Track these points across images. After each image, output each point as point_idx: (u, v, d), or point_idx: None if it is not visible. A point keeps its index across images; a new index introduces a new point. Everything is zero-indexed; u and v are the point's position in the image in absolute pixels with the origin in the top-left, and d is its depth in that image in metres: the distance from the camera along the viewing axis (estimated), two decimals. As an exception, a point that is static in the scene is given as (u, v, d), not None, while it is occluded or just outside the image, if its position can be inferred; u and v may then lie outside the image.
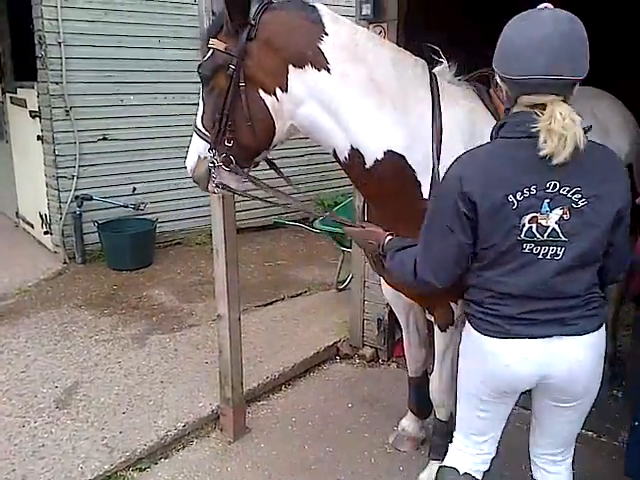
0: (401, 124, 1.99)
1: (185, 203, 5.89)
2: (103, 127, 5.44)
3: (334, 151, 2.05)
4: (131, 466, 2.83)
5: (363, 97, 1.95)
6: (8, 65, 6.06)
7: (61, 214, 5.32)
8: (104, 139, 5.46)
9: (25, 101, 5.53)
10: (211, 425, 3.17)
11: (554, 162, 1.48)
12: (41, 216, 5.63)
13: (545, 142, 1.47)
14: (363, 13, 3.38)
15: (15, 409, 3.17)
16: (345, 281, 4.71)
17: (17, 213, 6.29)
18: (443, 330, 2.33)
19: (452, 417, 2.61)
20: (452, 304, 2.22)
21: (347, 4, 5.89)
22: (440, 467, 2.04)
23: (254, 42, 1.92)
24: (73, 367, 3.62)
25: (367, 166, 2.01)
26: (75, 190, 5.30)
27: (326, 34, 1.93)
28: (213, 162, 2.10)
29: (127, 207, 5.54)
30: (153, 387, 3.40)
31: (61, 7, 5.02)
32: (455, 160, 1.67)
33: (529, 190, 1.54)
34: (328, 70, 1.92)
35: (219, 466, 2.89)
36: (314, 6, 1.97)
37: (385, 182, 2.04)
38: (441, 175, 1.99)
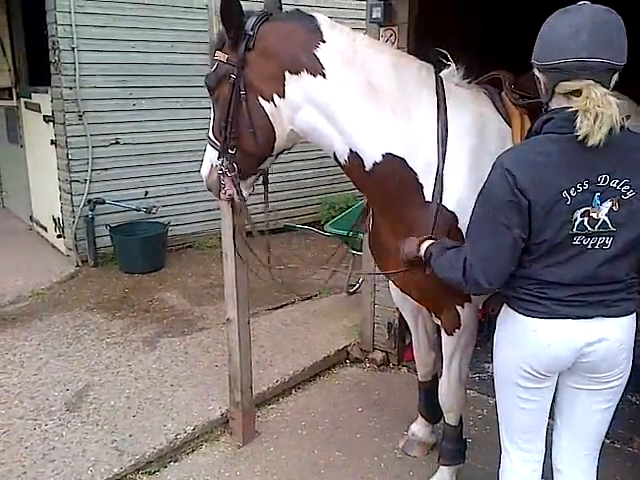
0: (401, 128, 2.01)
1: (197, 206, 5.91)
2: (116, 131, 5.48)
3: (334, 154, 2.11)
4: (140, 469, 2.83)
5: (359, 101, 1.99)
6: (23, 70, 6.14)
7: (74, 218, 5.36)
8: (116, 143, 5.50)
9: (39, 106, 5.59)
10: (221, 429, 3.17)
11: (589, 144, 1.50)
12: (54, 220, 5.68)
13: (582, 122, 1.49)
14: (373, 17, 3.37)
15: (27, 412, 3.19)
16: (356, 285, 4.70)
17: (31, 217, 6.35)
18: (450, 334, 2.32)
19: (461, 422, 2.60)
20: (458, 307, 2.22)
21: (357, 7, 5.88)
22: None
23: (252, 52, 2.01)
24: (84, 370, 3.64)
25: (366, 169, 2.05)
26: (88, 194, 5.35)
27: (323, 41, 1.98)
28: (221, 170, 2.19)
29: (139, 210, 5.57)
30: (163, 390, 3.41)
31: (74, 13, 5.07)
32: (502, 157, 1.66)
33: (582, 185, 1.57)
34: (324, 75, 1.97)
35: (228, 470, 2.89)
36: (312, 15, 2.04)
37: (385, 184, 2.07)
38: (446, 178, 2.03)
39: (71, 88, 5.18)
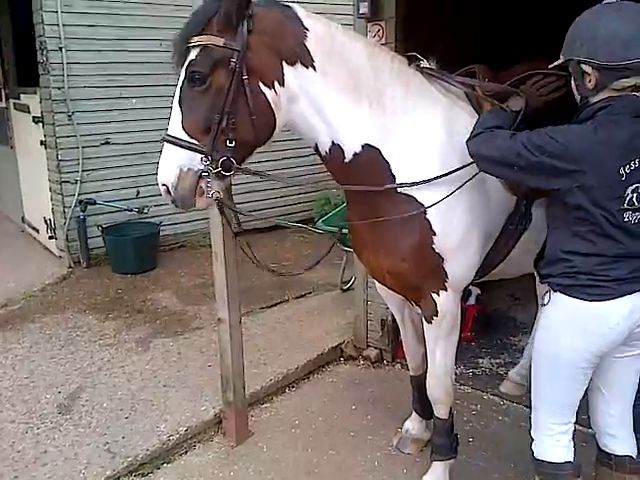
0: (377, 118, 2.06)
1: (189, 206, 5.87)
2: (106, 131, 5.45)
3: (316, 145, 2.11)
4: (133, 471, 2.82)
5: (343, 95, 2.01)
6: (11, 71, 6.09)
7: (65, 219, 5.33)
8: (107, 143, 5.47)
9: (28, 107, 5.55)
10: (214, 429, 3.15)
11: None
12: (46, 221, 5.65)
13: None
14: (361, 12, 3.35)
15: (18, 415, 3.17)
16: (349, 282, 4.68)
17: (23, 218, 6.32)
18: (429, 322, 2.36)
19: (452, 415, 2.60)
20: (434, 295, 2.27)
21: (345, 3, 5.84)
22: (551, 465, 2.03)
23: (254, 35, 1.90)
24: (77, 372, 3.62)
25: (346, 160, 2.09)
26: (79, 195, 5.32)
27: (308, 30, 1.97)
28: (208, 171, 1.95)
29: (131, 211, 5.54)
30: (156, 391, 3.39)
31: (61, 12, 5.04)
32: (564, 134, 1.74)
33: (635, 163, 1.70)
34: (314, 68, 1.97)
35: (222, 471, 2.87)
36: (288, 5, 2.00)
37: (362, 174, 2.11)
38: (417, 169, 2.09)
39: (60, 88, 5.15)
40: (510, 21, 4.29)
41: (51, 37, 5.04)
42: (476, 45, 4.01)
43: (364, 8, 3.32)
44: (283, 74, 1.95)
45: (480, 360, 3.80)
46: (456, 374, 3.62)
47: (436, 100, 2.19)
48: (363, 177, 2.12)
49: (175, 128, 1.95)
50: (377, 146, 2.09)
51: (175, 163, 1.96)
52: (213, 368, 3.55)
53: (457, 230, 2.16)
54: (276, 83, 1.95)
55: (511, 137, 1.83)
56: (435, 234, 2.14)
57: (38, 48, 5.11)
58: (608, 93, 1.74)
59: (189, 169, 1.95)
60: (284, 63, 1.95)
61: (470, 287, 4.17)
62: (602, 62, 1.69)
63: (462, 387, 3.51)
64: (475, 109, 2.26)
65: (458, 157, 2.11)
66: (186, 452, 3.01)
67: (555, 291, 1.90)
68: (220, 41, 1.88)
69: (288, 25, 1.96)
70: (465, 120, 2.18)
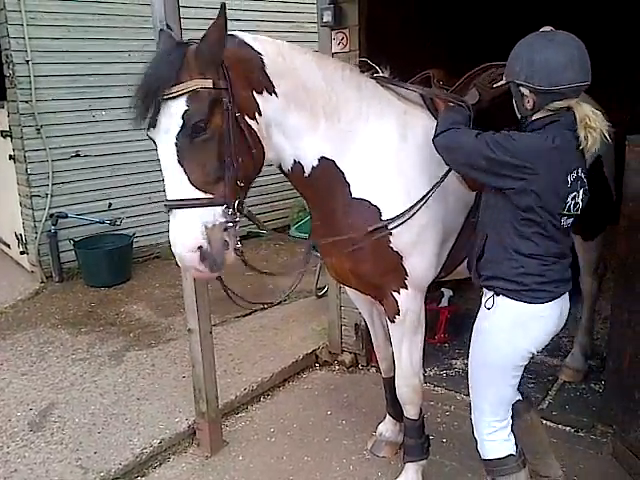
0: (332, 130, 2.11)
1: (162, 216, 5.73)
2: (76, 144, 5.42)
3: (280, 164, 2.15)
4: (106, 486, 2.79)
5: (302, 112, 2.04)
6: (-22, 86, 6.02)
7: (36, 233, 5.27)
8: (77, 156, 5.44)
9: (-5, 121, 5.49)
10: (188, 440, 3.14)
11: (589, 152, 1.86)
12: (17, 236, 5.58)
13: (586, 138, 1.82)
14: (324, 20, 3.39)
15: (-12, 434, 3.13)
16: (324, 288, 4.69)
17: (-6, 234, 6.23)
18: (392, 321, 2.39)
19: (422, 416, 2.62)
20: (395, 294, 2.31)
21: (308, 11, 5.92)
22: (497, 461, 2.12)
23: (229, 70, 1.85)
24: (48, 388, 3.57)
25: (306, 174, 2.14)
26: (49, 208, 5.27)
27: (262, 55, 1.97)
28: (233, 221, 1.85)
29: (103, 223, 5.50)
30: (129, 405, 3.36)
31: (27, 25, 5.01)
32: (525, 137, 1.86)
33: (576, 172, 1.87)
34: (276, 94, 1.99)
35: (196, 482, 2.87)
36: (231, 34, 1.92)
37: (319, 185, 2.17)
38: (370, 174, 2.16)
39: (27, 102, 5.11)
40: (482, 24, 4.36)
41: (17, 50, 5.01)
42: (447, 49, 4.07)
43: (328, 17, 3.36)
44: (257, 104, 1.95)
45: (454, 361, 3.83)
46: (430, 375, 3.66)
47: (389, 105, 2.24)
48: (321, 188, 2.18)
49: (182, 189, 1.79)
50: (332, 158, 2.14)
51: (198, 224, 1.80)
52: (187, 379, 3.53)
53: (412, 228, 2.20)
54: (256, 114, 1.94)
55: (476, 136, 1.91)
56: (391, 233, 2.18)
57: (4, 61, 5.08)
58: (545, 113, 1.88)
59: (214, 225, 1.82)
60: (255, 93, 1.94)
61: (442, 289, 4.23)
62: (537, 86, 1.82)
63: (436, 388, 3.54)
64: (431, 111, 2.32)
65: (411, 161, 2.19)
66: (160, 465, 2.99)
67: (498, 295, 1.97)
68: (209, 82, 1.79)
69: (248, 55, 1.95)
70: (420, 123, 2.25)
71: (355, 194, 2.17)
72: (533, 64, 1.81)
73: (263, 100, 1.97)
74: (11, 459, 2.92)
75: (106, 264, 5.21)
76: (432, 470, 2.77)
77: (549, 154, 1.81)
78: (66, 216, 5.31)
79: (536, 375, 3.54)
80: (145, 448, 2.98)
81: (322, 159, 2.13)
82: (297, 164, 2.12)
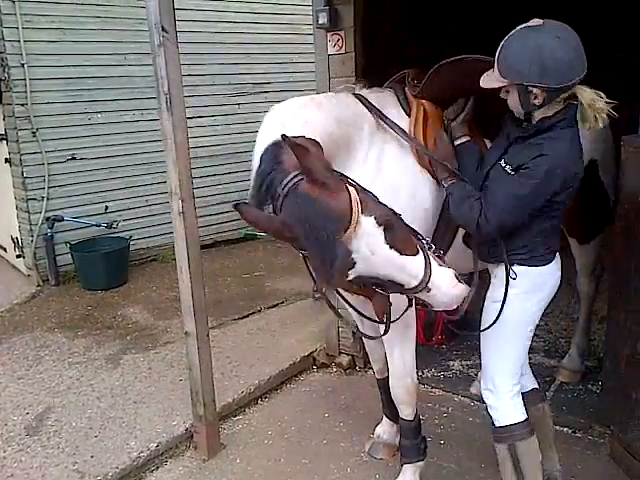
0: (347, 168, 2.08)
1: (158, 219, 5.82)
2: (72, 147, 5.41)
3: None
4: (103, 490, 2.78)
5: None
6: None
7: (32, 236, 5.26)
8: (73, 159, 5.43)
9: (-9, 124, 5.48)
10: (185, 444, 3.13)
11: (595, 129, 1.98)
12: (13, 239, 5.56)
13: (595, 119, 1.91)
14: (320, 22, 3.38)
15: (-16, 439, 3.11)
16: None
17: (-11, 237, 6.21)
18: (381, 321, 2.35)
19: (418, 417, 2.62)
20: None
21: (304, 13, 5.92)
22: (513, 426, 2.25)
23: None
24: (45, 392, 3.56)
25: None
26: (46, 211, 5.26)
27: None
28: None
29: (99, 226, 5.48)
30: (126, 408, 3.35)
31: (23, 28, 5.01)
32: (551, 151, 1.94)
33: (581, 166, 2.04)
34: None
35: (193, 485, 2.86)
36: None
37: None
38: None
39: (23, 105, 5.10)
40: (476, 24, 4.35)
41: (12, 53, 5.00)
42: (446, 47, 4.06)
43: (323, 19, 3.36)
44: None
45: (451, 362, 3.83)
46: (427, 377, 3.66)
47: (362, 117, 2.24)
48: None
49: None
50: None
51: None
52: (184, 382, 3.51)
53: None
54: None
55: (505, 189, 2.01)
56: None
57: (-1, 65, 5.06)
58: (553, 106, 1.96)
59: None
60: None
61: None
62: (552, 86, 1.87)
63: (433, 390, 3.54)
64: (403, 108, 2.36)
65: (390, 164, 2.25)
66: (157, 468, 2.98)
67: (520, 265, 2.14)
68: None
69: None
70: (392, 140, 2.29)
71: None
72: (545, 65, 1.84)
73: None
74: (7, 463, 2.91)
75: (103, 267, 5.19)
76: (430, 472, 2.77)
77: (578, 154, 1.99)
78: (62, 219, 5.30)
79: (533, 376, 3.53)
80: (142, 452, 2.97)
81: None
82: None
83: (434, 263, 1.80)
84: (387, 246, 1.68)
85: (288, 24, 6.69)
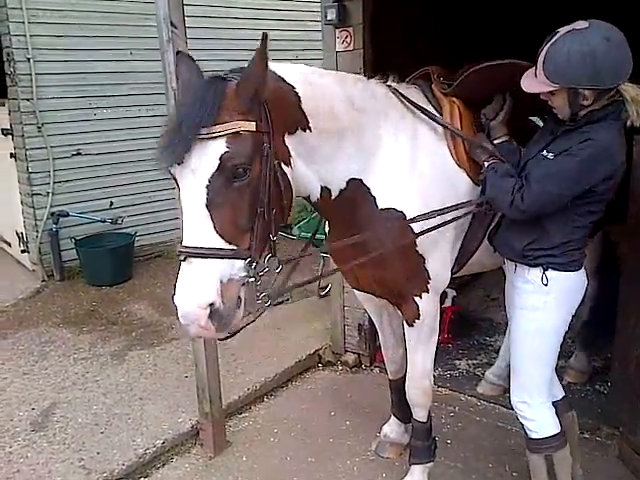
0: (357, 149, 2.06)
1: (163, 215, 5.81)
2: (77, 142, 5.40)
3: (308, 196, 2.04)
4: (109, 487, 2.78)
5: (331, 139, 1.96)
6: (-21, 84, 6.00)
7: (37, 232, 5.25)
8: (78, 154, 5.42)
9: (-3, 119, 5.47)
10: (191, 441, 3.12)
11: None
12: (18, 235, 5.57)
13: (638, 114, 1.91)
14: (328, 18, 3.36)
15: (-10, 434, 3.11)
16: (327, 288, 4.68)
17: (-6, 232, 6.22)
18: (410, 325, 2.37)
19: (430, 419, 2.61)
20: (416, 298, 2.30)
21: (313, 9, 5.90)
22: (551, 438, 2.22)
23: (272, 113, 1.70)
24: (50, 388, 3.55)
25: (333, 197, 2.08)
26: (51, 207, 5.26)
27: (296, 89, 1.84)
28: (254, 276, 1.66)
29: (104, 222, 5.48)
30: (132, 405, 3.34)
31: (28, 23, 4.99)
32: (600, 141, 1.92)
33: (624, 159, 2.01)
34: (310, 129, 1.88)
35: (199, 482, 2.85)
36: (271, 70, 1.74)
37: (345, 204, 2.12)
38: (392, 185, 2.15)
39: (29, 100, 5.09)
40: (486, 22, 4.33)
41: (18, 48, 4.99)
42: (452, 47, 4.04)
43: (331, 15, 3.34)
44: (287, 147, 1.80)
45: (457, 362, 3.82)
46: (434, 376, 3.58)
47: (402, 117, 2.23)
48: (346, 207, 2.12)
49: (204, 236, 1.59)
50: (359, 177, 2.10)
51: (215, 277, 1.59)
52: (190, 379, 3.51)
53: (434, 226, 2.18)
54: (290, 159, 1.81)
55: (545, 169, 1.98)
56: (417, 236, 2.17)
57: (5, 59, 5.05)
58: (598, 103, 1.95)
59: (230, 279, 1.62)
60: (286, 135, 1.80)
61: (446, 289, 4.21)
62: (604, 87, 1.89)
63: (440, 389, 3.52)
64: (433, 105, 2.34)
65: (424, 164, 2.21)
66: (163, 465, 2.97)
67: (547, 269, 2.10)
68: (252, 125, 1.62)
69: (284, 91, 1.80)
70: (426, 126, 2.27)
71: (381, 205, 2.14)
72: (598, 69, 1.85)
73: (294, 139, 1.82)
74: (14, 459, 2.91)
75: (107, 263, 5.19)
76: (437, 471, 2.75)
77: (623, 143, 1.98)
78: (67, 215, 5.30)
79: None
80: (148, 448, 2.96)
81: (351, 180, 2.07)
82: (325, 189, 2.03)
83: None
84: None
85: (295, 20, 6.66)
